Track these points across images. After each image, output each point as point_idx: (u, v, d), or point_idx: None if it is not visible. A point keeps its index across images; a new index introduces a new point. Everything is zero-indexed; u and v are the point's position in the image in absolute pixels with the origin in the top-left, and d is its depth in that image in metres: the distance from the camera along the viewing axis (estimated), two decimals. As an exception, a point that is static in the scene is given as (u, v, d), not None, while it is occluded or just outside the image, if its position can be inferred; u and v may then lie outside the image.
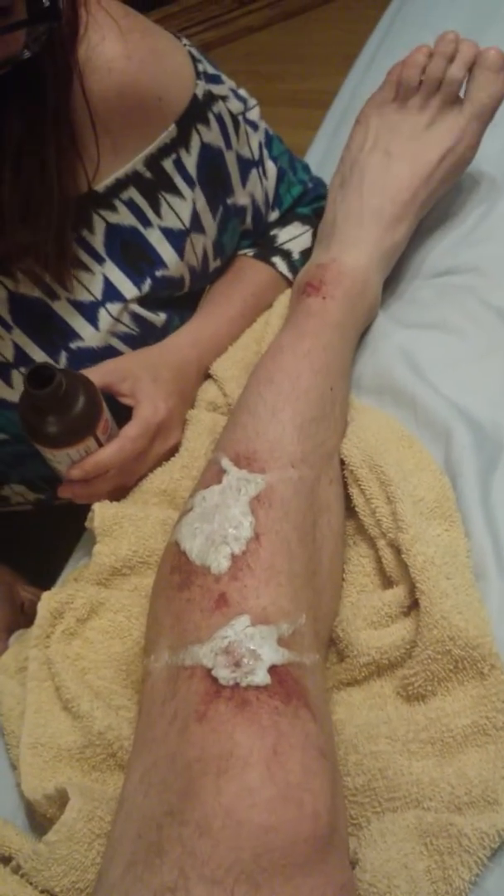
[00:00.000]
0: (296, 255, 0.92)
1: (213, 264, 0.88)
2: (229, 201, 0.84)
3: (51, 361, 0.73)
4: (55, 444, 0.72)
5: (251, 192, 0.87)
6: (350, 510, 0.72)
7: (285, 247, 0.92)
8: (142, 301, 0.81)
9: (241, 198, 0.86)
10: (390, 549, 0.68)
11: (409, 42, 0.91)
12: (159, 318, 0.83)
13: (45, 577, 0.82)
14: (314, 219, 0.94)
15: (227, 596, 0.58)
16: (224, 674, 0.54)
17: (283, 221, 0.94)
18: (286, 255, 0.92)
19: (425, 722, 0.61)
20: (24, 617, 0.91)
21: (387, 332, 0.83)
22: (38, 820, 0.63)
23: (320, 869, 0.49)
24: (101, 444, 0.75)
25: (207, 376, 0.87)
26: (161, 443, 0.80)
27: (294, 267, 0.91)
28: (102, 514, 0.75)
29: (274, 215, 0.92)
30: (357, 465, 0.70)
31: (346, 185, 0.87)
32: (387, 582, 0.69)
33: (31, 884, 0.57)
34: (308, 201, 0.96)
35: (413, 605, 0.66)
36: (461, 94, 0.86)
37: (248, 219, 0.89)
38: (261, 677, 0.54)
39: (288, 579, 0.60)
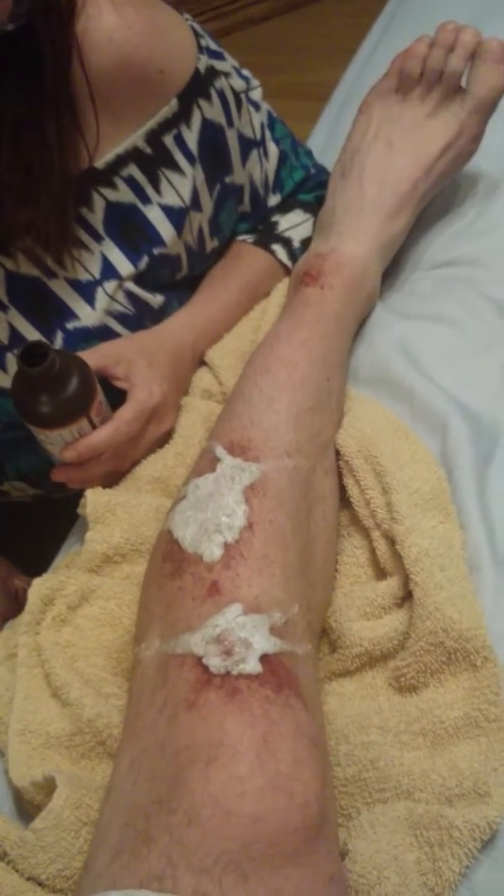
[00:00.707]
0: (296, 244, 0.91)
1: (210, 244, 0.87)
2: (227, 180, 0.83)
3: (45, 340, 0.72)
4: (48, 424, 0.72)
5: (250, 172, 0.86)
6: (344, 501, 0.72)
7: (286, 234, 0.91)
8: (138, 280, 0.80)
9: (239, 177, 0.85)
10: (384, 541, 0.67)
11: (412, 34, 0.90)
12: (156, 299, 0.83)
13: (40, 567, 0.81)
14: (316, 207, 0.93)
15: (220, 584, 0.58)
16: (215, 662, 0.54)
17: (284, 207, 0.93)
18: (286, 242, 0.91)
19: (417, 713, 0.61)
20: (19, 606, 0.90)
21: (385, 323, 0.83)
22: (26, 807, 0.63)
23: (309, 859, 0.49)
24: (94, 427, 0.74)
25: (202, 363, 0.87)
26: (155, 427, 0.79)
27: (294, 255, 0.91)
28: (95, 500, 0.74)
29: (275, 199, 0.92)
30: (352, 455, 0.70)
31: (346, 175, 0.86)
32: (380, 573, 0.69)
33: (16, 871, 0.57)
34: (310, 188, 0.95)
35: (406, 597, 0.66)
36: (464, 83, 0.85)
37: (246, 199, 0.88)
38: (252, 666, 0.54)
39: (281, 569, 0.60)
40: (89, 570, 0.73)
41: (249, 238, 0.91)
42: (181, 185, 0.78)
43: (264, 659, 0.55)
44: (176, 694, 0.54)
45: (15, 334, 0.78)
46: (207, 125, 0.77)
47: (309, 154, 0.97)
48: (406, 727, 0.60)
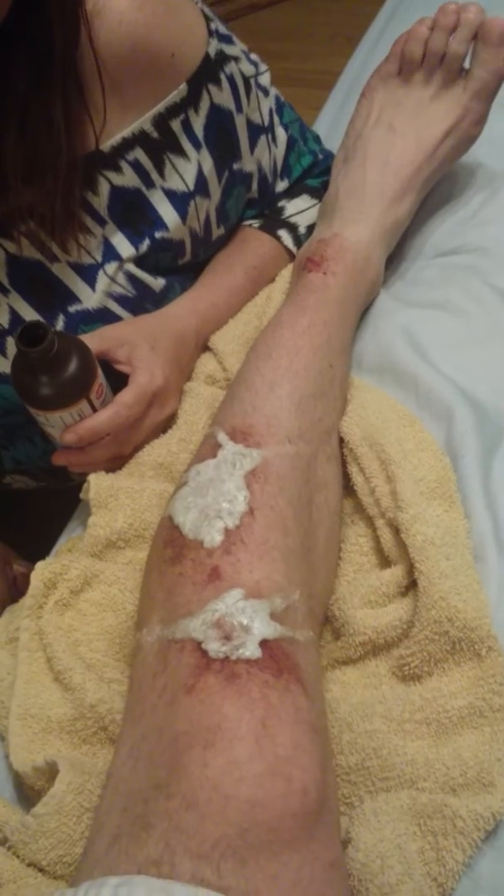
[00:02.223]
0: (302, 229, 0.91)
1: (217, 232, 0.86)
2: (235, 166, 0.82)
3: (43, 321, 0.72)
4: (47, 405, 0.71)
5: (258, 158, 0.85)
6: (348, 489, 0.72)
7: (292, 220, 0.91)
8: (139, 262, 0.80)
9: (247, 164, 0.84)
10: (389, 529, 0.67)
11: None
12: (157, 282, 0.82)
13: (39, 552, 0.81)
14: (323, 192, 0.92)
15: (220, 570, 0.58)
16: (214, 647, 0.54)
17: (291, 193, 0.92)
18: (292, 228, 0.90)
19: (421, 702, 0.61)
20: (17, 591, 0.90)
21: (389, 311, 0.82)
22: (26, 792, 0.62)
23: (308, 845, 0.48)
24: (95, 410, 0.74)
25: (206, 348, 0.86)
26: (157, 411, 0.78)
27: (300, 241, 0.90)
28: (98, 485, 0.74)
29: (282, 185, 0.91)
30: (357, 443, 0.69)
31: (349, 160, 0.86)
32: (384, 561, 0.69)
33: (17, 856, 0.57)
34: (318, 173, 0.94)
35: (410, 586, 0.65)
36: (468, 64, 0.84)
37: (254, 186, 0.87)
38: (251, 650, 0.54)
39: (282, 555, 0.60)
40: (92, 555, 0.73)
41: (255, 223, 0.91)
42: (186, 170, 0.78)
43: (264, 644, 0.54)
44: (175, 679, 0.54)
45: (16, 318, 0.78)
46: (216, 110, 0.77)
47: (317, 139, 0.96)
48: (410, 716, 0.60)
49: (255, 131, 0.83)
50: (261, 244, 0.90)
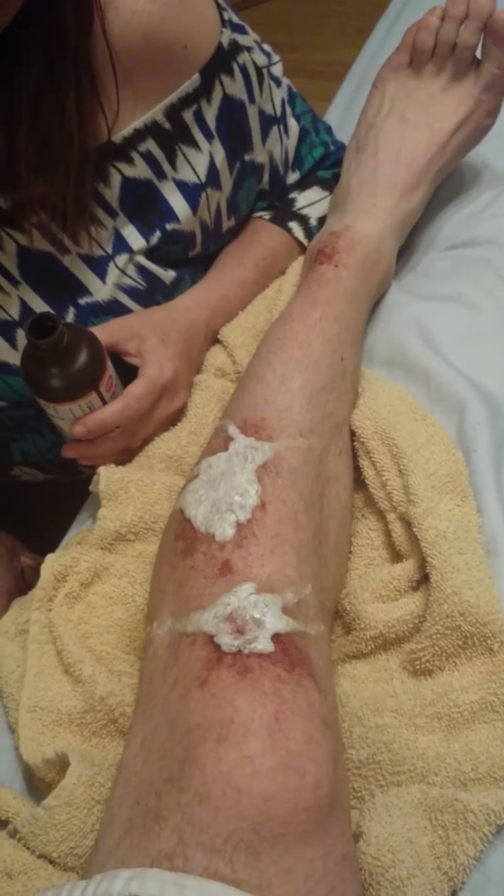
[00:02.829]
0: (313, 221, 0.90)
1: (227, 224, 0.86)
2: (247, 158, 0.82)
3: (53, 313, 0.71)
4: (57, 397, 0.71)
5: (270, 150, 0.84)
6: (359, 482, 0.71)
7: (303, 212, 0.90)
8: (149, 254, 0.79)
9: (259, 155, 0.83)
10: (400, 523, 0.67)
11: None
12: (168, 274, 0.81)
13: (47, 545, 0.81)
14: (334, 184, 0.92)
15: (232, 563, 0.58)
16: (227, 640, 0.54)
17: (302, 185, 0.92)
18: (303, 220, 0.90)
19: (432, 697, 0.60)
20: (25, 584, 0.90)
21: (401, 303, 0.82)
22: (37, 784, 0.62)
23: (320, 839, 0.48)
24: (104, 402, 0.73)
25: (216, 341, 0.86)
26: (166, 404, 0.78)
27: (311, 233, 0.90)
28: (108, 477, 0.74)
29: (294, 177, 0.90)
30: (368, 436, 0.69)
31: (361, 151, 0.85)
32: (395, 556, 0.68)
33: (28, 848, 0.57)
34: (329, 164, 0.94)
35: (422, 580, 0.65)
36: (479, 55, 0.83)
37: (266, 177, 0.87)
38: (264, 644, 0.53)
39: (293, 548, 0.60)
40: (102, 548, 0.73)
41: (266, 215, 0.90)
42: (197, 161, 0.77)
43: (276, 638, 0.54)
44: (187, 672, 0.53)
45: (26, 310, 0.77)
46: (228, 101, 0.76)
47: (328, 130, 0.96)
48: (421, 710, 0.60)
49: (268, 122, 0.82)
50: (271, 236, 0.89)
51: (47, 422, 0.88)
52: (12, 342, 0.79)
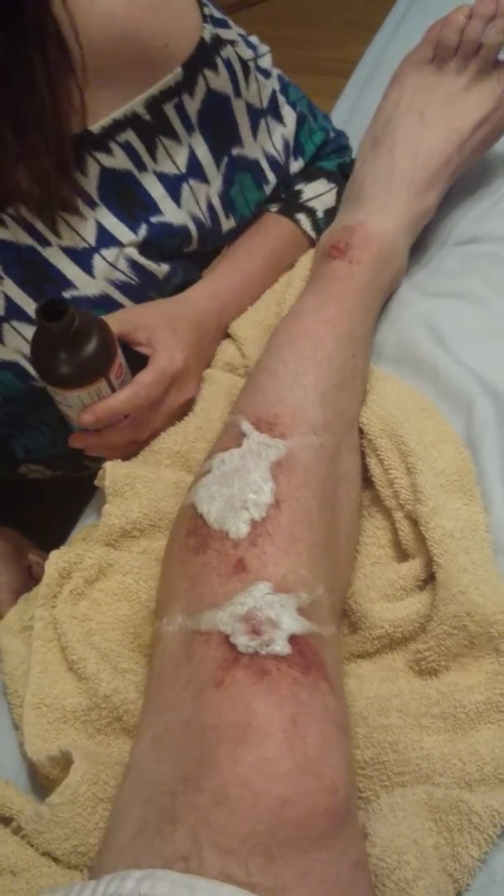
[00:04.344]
0: (320, 214, 0.89)
1: (227, 223, 0.85)
2: (235, 152, 0.81)
3: (64, 297, 0.70)
4: (66, 383, 0.70)
5: (262, 144, 0.83)
6: (366, 480, 0.71)
7: (309, 204, 0.89)
8: (142, 248, 0.78)
9: (251, 150, 0.83)
10: (407, 522, 0.66)
11: (437, 10, 0.87)
12: (161, 269, 0.81)
13: (54, 542, 0.81)
14: (339, 176, 0.91)
15: (246, 562, 0.57)
16: (243, 641, 0.53)
17: (307, 176, 0.91)
18: (310, 212, 0.89)
19: (438, 697, 0.60)
20: (33, 581, 0.89)
21: (410, 300, 0.81)
22: (41, 781, 0.62)
23: (335, 844, 0.48)
24: (113, 391, 0.73)
25: (226, 335, 0.85)
26: (176, 394, 0.77)
27: (318, 226, 0.89)
28: (114, 473, 0.73)
29: (297, 165, 0.89)
30: (376, 434, 0.69)
31: (377, 146, 0.84)
32: (401, 554, 0.68)
33: (31, 846, 0.57)
34: (330, 152, 0.93)
35: (428, 579, 0.65)
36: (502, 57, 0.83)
37: (269, 174, 0.86)
38: (281, 646, 0.53)
39: (307, 548, 0.59)
40: (107, 544, 0.72)
41: (274, 207, 0.89)
42: (177, 152, 0.76)
43: (292, 640, 0.54)
44: (202, 671, 0.53)
45: (11, 305, 0.77)
46: (212, 96, 0.75)
47: (326, 117, 0.95)
48: (426, 710, 0.60)
49: (256, 115, 0.81)
50: (280, 227, 0.88)
51: (45, 419, 0.87)
52: (0, 337, 0.78)
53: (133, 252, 0.78)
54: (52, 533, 0.80)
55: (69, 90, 0.68)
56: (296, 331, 0.71)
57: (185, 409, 0.80)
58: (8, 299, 0.76)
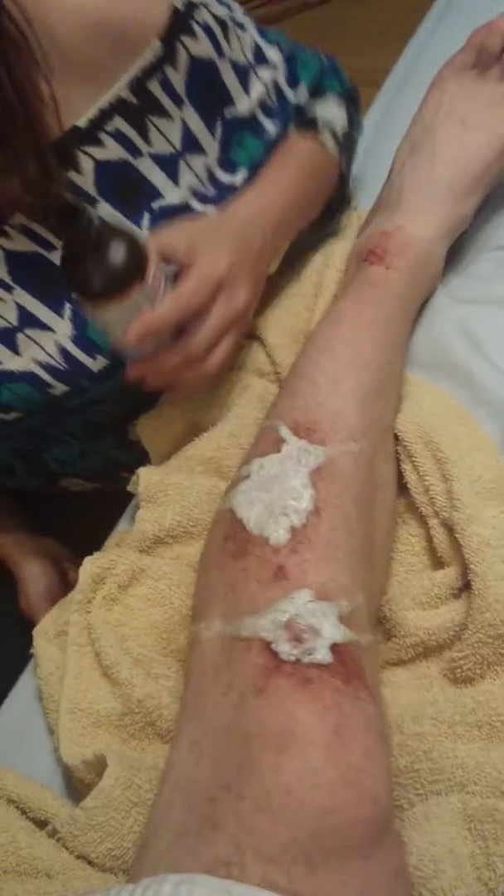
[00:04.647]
0: (339, 131, 0.86)
1: (234, 178, 0.81)
2: (229, 115, 0.78)
3: (82, 203, 0.67)
4: (99, 292, 0.66)
5: (256, 96, 0.80)
6: (400, 487, 0.71)
7: (326, 118, 0.86)
8: None
9: (245, 107, 0.79)
10: (443, 529, 0.66)
11: (470, 20, 0.87)
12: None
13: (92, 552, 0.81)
14: (346, 99, 0.89)
15: (286, 569, 0.57)
16: (285, 648, 0.53)
17: (316, 94, 0.87)
18: (328, 127, 0.86)
19: (473, 705, 0.60)
20: (69, 589, 0.90)
21: (443, 305, 0.81)
22: (76, 785, 0.63)
23: (376, 854, 0.48)
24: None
25: (255, 338, 0.84)
26: (224, 302, 0.71)
27: (338, 142, 0.86)
28: (148, 479, 0.74)
29: (302, 93, 0.86)
30: (412, 440, 0.68)
31: (416, 152, 0.84)
32: (436, 562, 0.68)
33: (66, 848, 0.57)
34: (331, 79, 0.89)
35: (463, 587, 0.64)
36: None
37: (265, 121, 0.82)
38: (323, 655, 0.53)
39: (346, 556, 0.59)
40: (140, 550, 0.73)
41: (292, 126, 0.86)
42: (170, 130, 0.74)
43: (334, 648, 0.53)
44: (243, 678, 0.53)
45: (24, 313, 0.76)
46: (196, 63, 0.73)
47: (314, 50, 0.91)
48: (461, 719, 0.59)
49: (244, 71, 0.79)
50: (305, 141, 0.85)
51: (68, 429, 0.87)
52: (14, 348, 0.77)
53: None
54: (94, 545, 0.80)
55: (41, 95, 0.67)
56: (334, 336, 0.71)
57: (245, 324, 0.75)
58: (20, 308, 0.76)
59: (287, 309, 0.86)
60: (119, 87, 0.70)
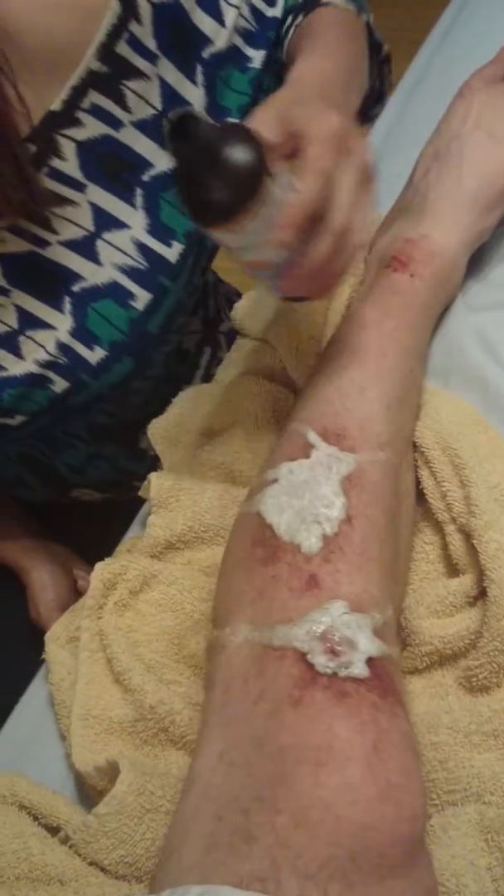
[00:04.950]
0: None
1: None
2: (207, 54, 0.73)
3: (186, 110, 0.56)
4: (235, 206, 0.56)
5: (234, 24, 0.74)
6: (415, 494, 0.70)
7: None
8: (151, 230, 0.74)
9: (224, 40, 0.74)
10: (459, 535, 0.65)
11: (481, 27, 0.87)
12: (172, 250, 0.76)
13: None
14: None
15: (319, 578, 0.56)
16: (321, 661, 0.52)
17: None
18: None
19: (489, 714, 0.59)
20: (79, 596, 0.90)
21: (458, 311, 0.80)
22: (88, 792, 0.62)
23: (410, 872, 0.47)
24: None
25: (264, 342, 0.84)
26: (348, 160, 0.60)
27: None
28: (159, 484, 0.73)
29: (280, 4, 0.79)
30: (430, 446, 0.68)
31: (441, 160, 0.83)
32: (450, 570, 0.67)
33: (79, 855, 0.57)
34: None
35: (479, 595, 0.64)
36: None
37: (247, 49, 0.76)
38: (360, 669, 0.52)
39: (377, 567, 0.58)
40: (151, 556, 0.72)
41: (300, 18, 0.79)
42: (148, 91, 0.71)
43: (369, 662, 0.53)
44: (277, 688, 0.52)
45: (24, 315, 0.75)
46: (161, 9, 0.69)
47: None
48: (477, 728, 0.59)
49: (212, 2, 0.73)
50: (321, 14, 0.78)
51: (73, 431, 0.86)
52: (16, 352, 0.76)
53: (141, 234, 0.75)
54: (106, 550, 0.79)
55: (8, 100, 0.65)
56: (357, 342, 0.70)
57: (368, 190, 0.63)
58: (19, 309, 0.74)
59: (299, 313, 0.85)
60: (88, 60, 0.68)
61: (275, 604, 0.56)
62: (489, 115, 0.82)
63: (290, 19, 0.79)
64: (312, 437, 0.64)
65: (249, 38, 0.77)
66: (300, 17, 0.79)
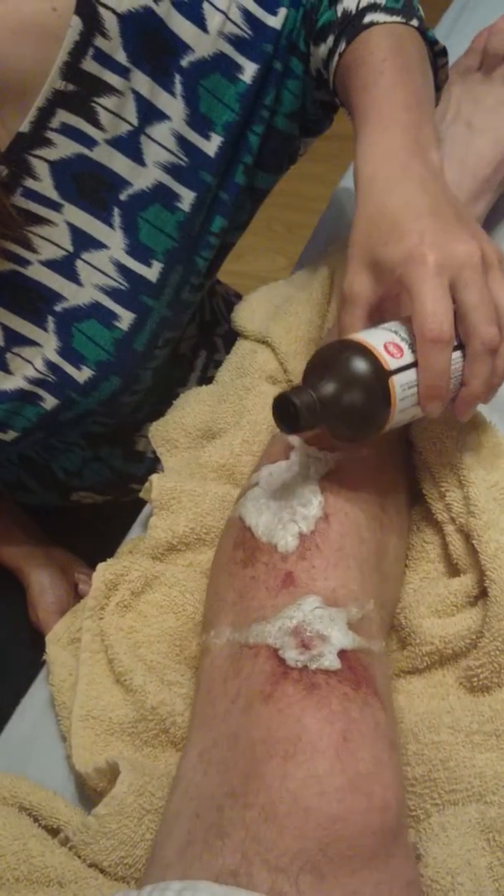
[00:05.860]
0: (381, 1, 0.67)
1: (211, 144, 0.72)
2: (187, 63, 0.69)
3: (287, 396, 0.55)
4: (378, 425, 0.57)
5: (219, 29, 0.69)
6: (415, 494, 0.70)
7: (351, 5, 0.67)
8: (130, 251, 0.73)
9: (206, 47, 0.69)
10: (459, 535, 0.65)
11: (489, 21, 0.87)
12: (151, 270, 0.75)
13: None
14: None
15: (294, 575, 0.57)
16: (292, 655, 0.53)
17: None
18: (369, 10, 0.67)
19: (490, 714, 0.59)
20: (79, 599, 0.90)
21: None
22: (88, 793, 0.62)
23: (387, 863, 0.47)
24: (413, 362, 0.56)
25: (266, 345, 0.83)
26: (468, 277, 0.54)
27: (395, 10, 0.67)
28: (161, 486, 0.73)
29: (283, 15, 0.70)
30: (426, 447, 0.68)
31: None
32: (451, 569, 0.67)
33: (78, 857, 0.57)
34: None
35: (480, 595, 0.64)
36: None
37: (236, 56, 0.70)
38: (330, 661, 0.52)
39: (357, 563, 0.58)
40: (153, 557, 0.72)
41: (342, 45, 0.67)
42: (121, 107, 0.68)
43: (342, 655, 0.53)
44: (250, 685, 0.53)
45: (8, 332, 0.75)
46: (128, 19, 0.65)
47: None
48: (478, 727, 0.59)
49: (193, 6, 0.68)
50: (369, 47, 0.65)
51: (67, 438, 0.86)
52: (4, 368, 0.76)
53: (119, 254, 0.74)
54: (107, 552, 0.79)
55: None
56: None
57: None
58: (4, 328, 0.75)
59: (299, 316, 0.85)
60: (51, 80, 0.66)
61: (253, 604, 0.57)
62: (466, 106, 0.82)
63: (330, 41, 0.68)
64: (292, 438, 0.64)
65: (241, 45, 0.70)
66: (342, 44, 0.67)
